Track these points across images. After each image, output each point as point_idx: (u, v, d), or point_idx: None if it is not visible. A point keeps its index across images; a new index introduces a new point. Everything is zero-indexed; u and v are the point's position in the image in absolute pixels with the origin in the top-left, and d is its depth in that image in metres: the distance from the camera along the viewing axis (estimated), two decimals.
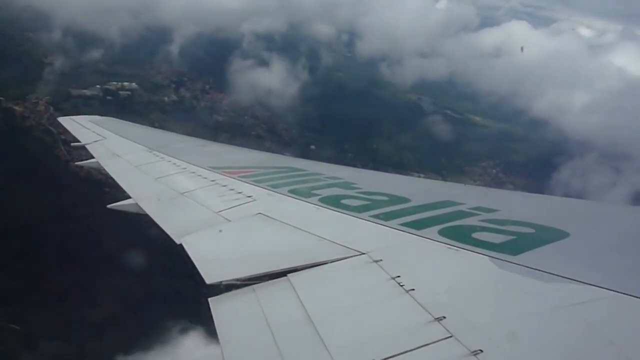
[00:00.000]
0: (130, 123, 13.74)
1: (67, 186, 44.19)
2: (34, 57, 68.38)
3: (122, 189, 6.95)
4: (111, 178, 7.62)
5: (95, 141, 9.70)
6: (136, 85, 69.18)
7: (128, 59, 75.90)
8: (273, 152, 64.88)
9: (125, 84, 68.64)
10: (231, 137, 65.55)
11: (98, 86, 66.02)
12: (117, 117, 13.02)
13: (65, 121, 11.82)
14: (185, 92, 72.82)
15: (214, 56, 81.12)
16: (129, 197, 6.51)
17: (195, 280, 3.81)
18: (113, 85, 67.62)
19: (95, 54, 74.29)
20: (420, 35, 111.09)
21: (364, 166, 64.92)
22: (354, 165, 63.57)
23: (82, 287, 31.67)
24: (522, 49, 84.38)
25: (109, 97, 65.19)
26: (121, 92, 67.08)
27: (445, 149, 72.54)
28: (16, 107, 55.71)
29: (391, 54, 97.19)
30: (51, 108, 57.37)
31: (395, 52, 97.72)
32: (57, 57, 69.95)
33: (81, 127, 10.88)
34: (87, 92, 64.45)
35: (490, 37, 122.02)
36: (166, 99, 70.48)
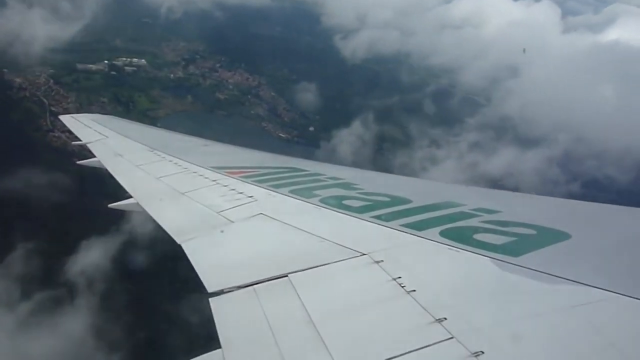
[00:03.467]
0: (132, 122, 13.74)
1: (38, 154, 44.84)
2: (54, 33, 69.54)
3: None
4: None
5: (97, 140, 9.71)
6: (144, 62, 69.95)
7: (146, 35, 76.65)
8: (268, 131, 65.11)
9: (134, 60, 69.51)
10: (227, 115, 65.99)
11: (106, 62, 66.86)
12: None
13: (67, 119, 11.80)
14: (194, 69, 73.47)
15: (233, 33, 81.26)
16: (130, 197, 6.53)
17: (195, 281, 3.80)
18: (121, 60, 68.42)
19: (114, 30, 74.93)
20: (389, 7, 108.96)
21: (364, 148, 64.81)
22: (352, 149, 63.24)
23: None
24: (524, 50, 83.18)
25: (112, 73, 66.01)
26: (127, 68, 67.79)
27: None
28: (17, 79, 57.20)
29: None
30: (51, 81, 59.09)
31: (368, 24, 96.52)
32: (75, 32, 70.91)
33: (83, 125, 10.88)
34: (93, 67, 65.22)
35: (461, 9, 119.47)
36: (172, 75, 71.17)
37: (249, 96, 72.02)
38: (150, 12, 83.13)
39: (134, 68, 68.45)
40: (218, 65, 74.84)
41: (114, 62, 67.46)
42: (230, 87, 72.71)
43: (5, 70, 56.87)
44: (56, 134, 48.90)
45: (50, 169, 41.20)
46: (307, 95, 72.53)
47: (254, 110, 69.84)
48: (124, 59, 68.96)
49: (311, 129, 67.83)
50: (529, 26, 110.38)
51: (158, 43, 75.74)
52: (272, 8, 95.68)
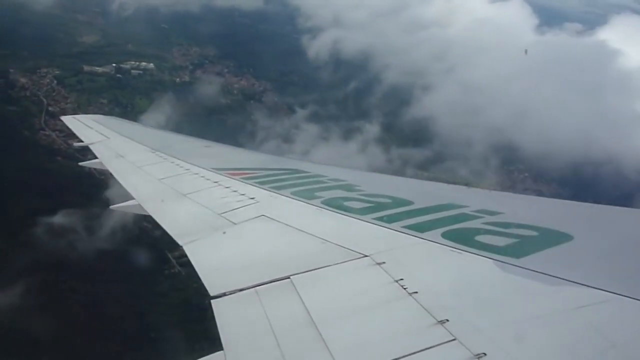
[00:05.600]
0: (134, 123, 13.78)
1: (22, 151, 45.04)
2: (71, 36, 70.69)
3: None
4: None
5: (98, 141, 9.73)
6: (152, 66, 69.76)
7: (161, 40, 76.93)
8: (261, 137, 64.54)
9: (143, 63, 69.29)
10: (225, 119, 65.75)
11: (114, 64, 66.91)
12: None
13: (69, 120, 11.85)
14: (200, 74, 73.43)
15: (243, 38, 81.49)
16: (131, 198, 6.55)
17: (196, 282, 3.80)
18: (129, 64, 68.34)
19: (129, 34, 75.42)
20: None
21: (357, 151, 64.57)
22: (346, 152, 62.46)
23: None
24: (525, 51, 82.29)
25: (118, 75, 65.91)
26: (133, 71, 67.66)
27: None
28: (22, 79, 57.83)
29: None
30: (55, 81, 59.78)
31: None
32: (92, 36, 71.72)
33: (85, 126, 10.91)
34: (99, 69, 65.35)
35: (433, 9, 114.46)
36: (178, 80, 70.91)
37: (252, 101, 72.10)
38: (168, 18, 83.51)
39: (140, 71, 68.52)
40: (226, 70, 74.97)
41: (121, 65, 67.54)
42: (235, 92, 72.77)
43: (11, 70, 57.62)
44: (47, 132, 49.25)
45: (30, 165, 41.31)
46: (308, 103, 72.11)
47: (254, 115, 69.95)
48: (133, 62, 69.13)
49: (309, 133, 67.21)
50: (493, 27, 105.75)
51: (170, 48, 75.97)
52: (283, 13, 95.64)
